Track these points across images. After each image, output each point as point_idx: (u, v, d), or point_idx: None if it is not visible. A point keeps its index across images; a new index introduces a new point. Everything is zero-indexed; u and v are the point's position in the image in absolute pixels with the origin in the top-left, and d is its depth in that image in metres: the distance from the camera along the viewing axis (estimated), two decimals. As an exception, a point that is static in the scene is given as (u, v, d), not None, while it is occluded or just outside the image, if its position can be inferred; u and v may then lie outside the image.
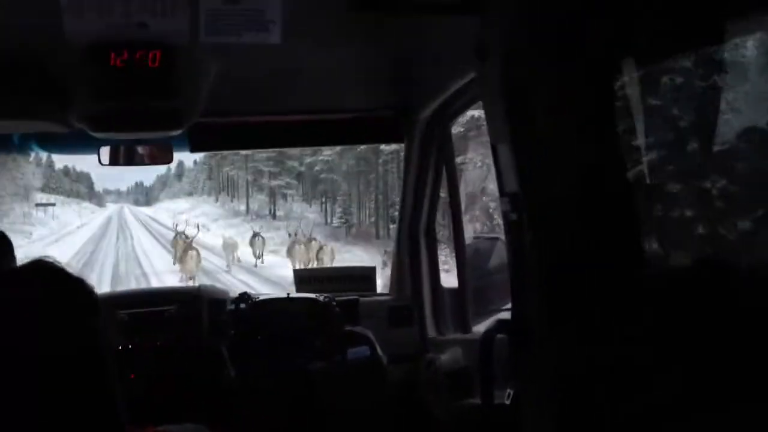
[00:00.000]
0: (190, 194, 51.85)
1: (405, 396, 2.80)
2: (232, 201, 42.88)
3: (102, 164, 2.75)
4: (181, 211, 45.54)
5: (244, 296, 2.68)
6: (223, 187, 45.72)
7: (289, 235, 25.60)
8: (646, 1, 1.63)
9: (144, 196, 65.24)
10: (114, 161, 2.75)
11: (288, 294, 2.79)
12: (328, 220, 34.44)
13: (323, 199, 35.84)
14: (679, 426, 0.97)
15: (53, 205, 42.12)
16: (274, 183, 38.11)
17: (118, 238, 32.51)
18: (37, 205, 39.76)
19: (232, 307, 2.69)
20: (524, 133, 1.76)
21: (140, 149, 2.71)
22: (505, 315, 2.50)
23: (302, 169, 36.85)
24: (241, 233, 28.85)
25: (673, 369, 0.95)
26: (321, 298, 2.71)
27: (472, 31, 1.93)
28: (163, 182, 62.51)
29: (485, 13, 1.80)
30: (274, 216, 37.18)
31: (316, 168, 35.28)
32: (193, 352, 2.59)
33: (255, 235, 24.89)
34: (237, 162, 39.59)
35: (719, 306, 0.90)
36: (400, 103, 2.87)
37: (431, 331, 3.03)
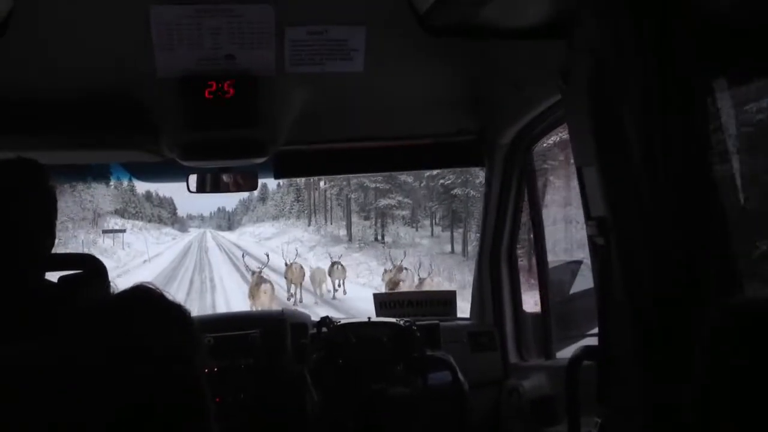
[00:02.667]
0: (276, 218, 49.07)
1: (487, 422, 2.76)
2: (327, 225, 38.48)
3: (190, 191, 2.84)
4: (267, 237, 42.52)
5: (325, 320, 2.70)
6: (315, 209, 41.64)
7: (385, 271, 21.47)
8: (736, 21, 1.59)
9: (226, 221, 65.70)
10: (201, 189, 2.84)
11: (369, 318, 2.80)
12: (456, 248, 27.73)
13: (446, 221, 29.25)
14: None
15: (123, 231, 38.28)
16: (382, 203, 32.26)
17: (195, 270, 28.57)
18: (105, 231, 36.52)
19: (314, 330, 2.72)
20: (611, 156, 1.73)
21: (225, 177, 2.79)
22: (590, 341, 2.45)
23: (416, 183, 30.71)
24: (347, 263, 24.46)
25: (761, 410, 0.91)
26: (401, 322, 2.71)
27: (554, 53, 1.92)
28: (245, 206, 62.19)
29: (570, 37, 1.80)
30: (382, 241, 31.66)
31: (441, 182, 28.55)
32: (277, 376, 2.63)
33: (334, 264, 22.59)
34: (335, 178, 33.32)
35: None
36: (481, 127, 2.87)
37: (513, 357, 2.99)
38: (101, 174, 3.54)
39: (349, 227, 34.49)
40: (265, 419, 2.55)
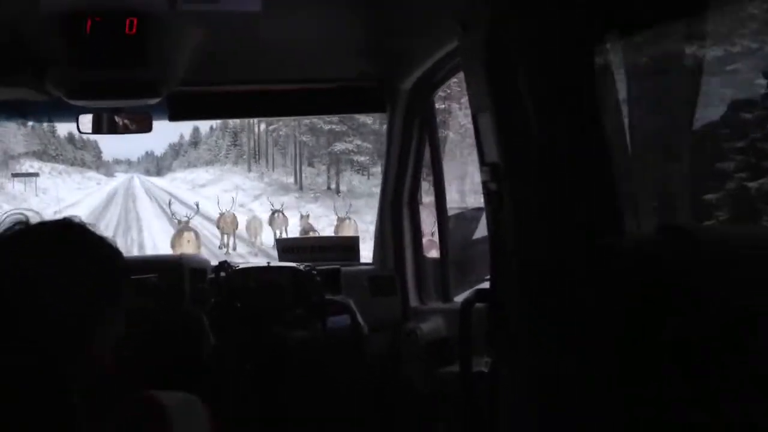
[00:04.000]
0: (210, 163, 45.18)
1: (385, 365, 2.81)
2: (270, 171, 34.62)
3: (81, 132, 2.73)
4: (202, 184, 38.18)
5: (224, 265, 2.68)
6: (256, 154, 37.93)
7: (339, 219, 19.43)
8: None
9: (155, 166, 62.58)
10: (96, 129, 2.73)
11: (269, 262, 2.79)
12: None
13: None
14: (646, 393, 0.98)
15: (36, 175, 33.80)
16: (338, 147, 28.41)
17: (119, 226, 23.62)
18: (14, 175, 32.38)
19: (213, 275, 2.69)
20: (505, 103, 1.75)
21: (117, 118, 2.69)
22: (486, 285, 2.51)
23: (377, 126, 26.32)
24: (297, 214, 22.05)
25: (645, 345, 0.96)
26: (302, 267, 2.71)
27: (454, 0, 1.91)
28: (175, 150, 58.28)
29: None
30: (337, 191, 28.12)
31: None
32: (174, 320, 2.59)
33: (274, 212, 21.20)
34: (281, 120, 29.75)
35: (690, 281, 0.90)
36: (382, 72, 2.85)
37: (413, 301, 3.05)
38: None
39: (298, 174, 31.15)
40: (161, 363, 2.52)
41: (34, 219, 1.28)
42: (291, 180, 31.83)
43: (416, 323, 2.79)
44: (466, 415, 1.88)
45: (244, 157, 39.57)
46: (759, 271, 0.89)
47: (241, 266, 2.72)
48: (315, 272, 2.71)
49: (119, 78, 2.34)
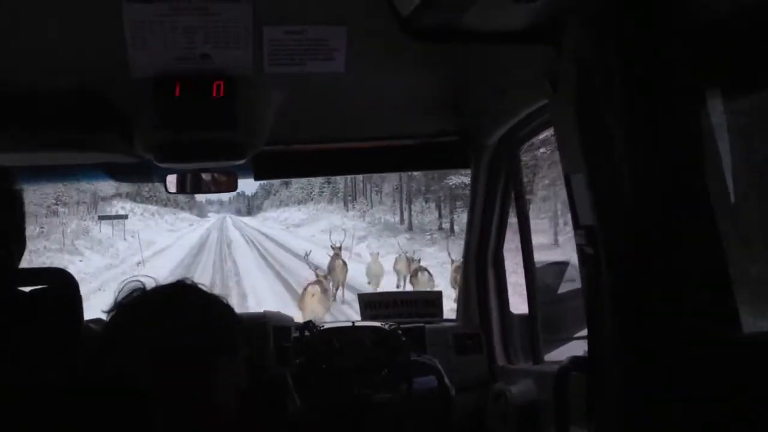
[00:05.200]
0: (302, 202, 44.13)
1: (473, 428, 2.73)
2: (371, 209, 32.10)
3: (169, 192, 2.80)
4: (296, 224, 36.58)
5: (308, 324, 2.66)
6: (353, 192, 35.62)
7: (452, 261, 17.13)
8: (730, 32, 1.55)
9: (246, 206, 62.83)
10: (181, 189, 2.79)
11: (353, 322, 2.77)
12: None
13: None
14: None
15: (124, 217, 31.20)
16: (453, 181, 24.88)
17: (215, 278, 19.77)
18: (101, 218, 29.86)
19: (297, 334, 2.68)
20: (599, 164, 1.69)
21: (205, 176, 2.74)
22: (577, 343, 2.42)
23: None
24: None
25: None
26: (386, 326, 2.68)
27: (539, 57, 1.88)
28: (266, 190, 58.44)
29: (559, 43, 1.75)
30: (451, 230, 24.61)
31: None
32: (259, 379, 2.58)
33: (400, 257, 19.22)
34: None
35: None
36: (466, 128, 2.83)
37: (500, 360, 2.96)
38: (91, 177, 3.45)
39: (406, 213, 27.39)
40: (245, 424, 2.51)
41: (149, 284, 1.38)
42: (395, 219, 29.36)
43: (505, 384, 2.70)
44: None
45: (339, 195, 38.51)
46: None
47: (326, 326, 2.70)
48: (400, 331, 2.66)
49: (207, 140, 2.39)
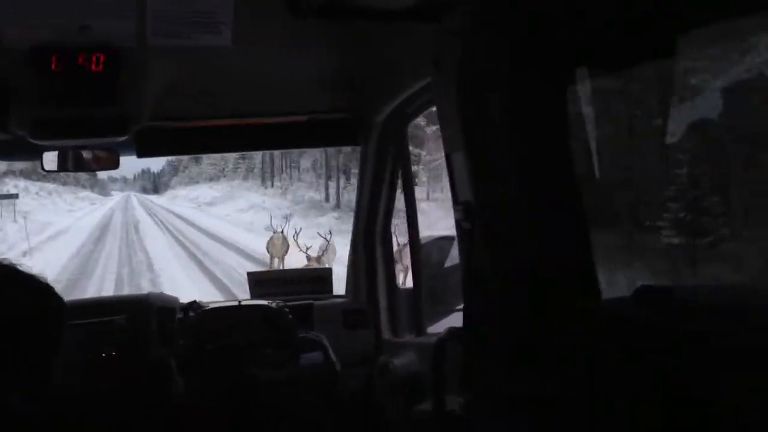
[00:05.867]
0: (214, 179, 41.20)
1: (359, 401, 2.78)
2: (292, 185, 29.78)
3: (46, 170, 2.68)
4: (208, 202, 33.95)
5: (193, 305, 2.63)
6: (269, 168, 33.06)
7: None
8: (600, 11, 1.63)
9: (152, 183, 59.58)
10: (62, 167, 2.68)
11: (239, 301, 2.75)
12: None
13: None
14: None
15: (14, 197, 29.20)
16: None
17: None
18: None
19: (181, 315, 2.63)
20: (478, 142, 1.75)
21: (85, 154, 2.64)
22: (459, 315, 2.50)
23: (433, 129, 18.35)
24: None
25: (622, 400, 0.94)
26: (273, 305, 2.67)
27: (427, 36, 1.91)
28: (174, 167, 54.98)
29: (440, 21, 1.79)
30: None
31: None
32: (140, 364, 2.53)
33: (275, 235, 18.23)
34: None
35: (667, 341, 0.90)
36: (355, 105, 2.84)
37: (386, 334, 3.02)
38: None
39: (332, 189, 24.57)
40: (126, 409, 2.46)
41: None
42: (320, 196, 27.19)
43: (389, 357, 2.76)
44: None
45: (255, 171, 36.27)
46: (736, 327, 0.89)
47: (211, 306, 2.67)
48: (287, 309, 2.67)
49: (86, 116, 2.30)
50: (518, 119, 1.64)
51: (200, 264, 17.67)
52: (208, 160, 44.48)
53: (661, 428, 0.92)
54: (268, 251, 17.69)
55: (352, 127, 2.92)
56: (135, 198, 46.01)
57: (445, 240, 3.23)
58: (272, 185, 33.39)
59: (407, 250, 3.05)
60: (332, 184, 26.54)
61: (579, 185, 1.68)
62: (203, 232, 22.10)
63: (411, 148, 3.08)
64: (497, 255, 1.73)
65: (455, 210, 1.88)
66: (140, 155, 2.79)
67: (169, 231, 25.94)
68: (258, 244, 18.18)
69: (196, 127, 2.82)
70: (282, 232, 17.69)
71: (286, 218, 18.45)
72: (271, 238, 17.85)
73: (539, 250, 1.63)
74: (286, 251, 17.65)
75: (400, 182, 2.97)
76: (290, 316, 2.64)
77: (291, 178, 32.22)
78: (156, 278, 15.91)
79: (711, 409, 0.88)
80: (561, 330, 1.18)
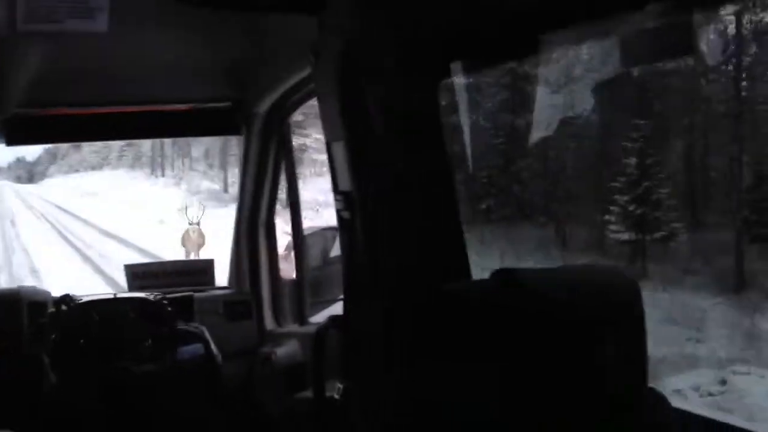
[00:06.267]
0: (98, 168, 38.56)
1: (239, 393, 2.77)
2: (187, 174, 28.48)
3: None
4: (92, 192, 31.91)
5: (65, 298, 2.53)
6: (159, 156, 31.26)
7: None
8: (475, 10, 1.69)
9: (27, 172, 55.56)
10: None
11: (115, 294, 2.67)
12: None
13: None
14: None
15: None
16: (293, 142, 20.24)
17: None
18: None
19: (53, 309, 2.54)
20: (357, 133, 1.78)
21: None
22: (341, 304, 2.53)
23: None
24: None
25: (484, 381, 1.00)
26: (151, 297, 2.62)
27: (308, 27, 1.93)
28: (52, 154, 52.13)
29: (321, 13, 1.81)
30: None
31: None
32: (11, 360, 2.43)
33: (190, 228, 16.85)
34: None
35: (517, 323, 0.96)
36: (237, 95, 2.82)
37: (269, 324, 3.02)
38: None
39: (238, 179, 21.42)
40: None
41: None
42: (218, 186, 25.90)
43: (271, 348, 2.76)
44: None
45: (143, 159, 33.92)
46: (575, 311, 0.97)
47: (85, 299, 2.59)
48: (166, 301, 2.62)
49: None
50: (395, 111, 1.68)
51: (88, 260, 16.44)
52: (91, 147, 41.13)
53: (496, 400, 0.98)
54: (183, 245, 16.54)
55: (234, 117, 2.89)
56: (9, 188, 42.69)
57: (330, 230, 3.26)
58: (163, 174, 31.87)
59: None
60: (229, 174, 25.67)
61: (453, 176, 1.74)
62: (90, 225, 20.72)
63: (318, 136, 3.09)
64: (375, 244, 1.77)
65: (336, 200, 1.91)
66: (10, 143, 2.66)
67: (54, 227, 23.09)
68: (151, 238, 17.46)
69: (71, 115, 2.71)
70: (198, 224, 16.92)
71: (202, 209, 17.54)
72: (186, 231, 16.93)
73: (415, 240, 1.68)
74: (203, 244, 16.27)
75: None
76: (169, 308, 2.60)
77: (184, 166, 30.72)
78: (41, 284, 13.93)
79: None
80: (432, 315, 1.22)
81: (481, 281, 1.05)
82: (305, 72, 2.36)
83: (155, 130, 3.04)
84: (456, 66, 1.80)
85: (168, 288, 2.93)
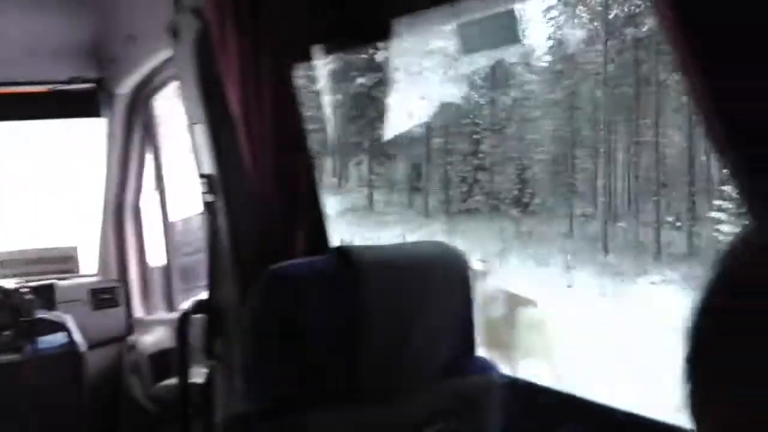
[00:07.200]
0: None
1: (105, 382, 2.70)
2: None
3: None
4: None
5: None
6: None
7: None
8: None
9: None
10: None
11: None
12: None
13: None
14: None
15: None
16: None
17: None
18: None
19: None
20: (218, 115, 1.78)
21: None
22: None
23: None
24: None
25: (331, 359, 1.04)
26: (7, 285, 2.51)
27: (166, 10, 1.90)
28: None
29: None
30: None
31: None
32: None
33: None
34: None
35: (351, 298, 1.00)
36: (99, 76, 2.73)
37: (138, 312, 2.95)
38: None
39: None
40: None
41: None
42: None
43: (139, 335, 2.71)
44: (184, 427, 1.88)
45: None
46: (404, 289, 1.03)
47: None
48: (26, 289, 2.52)
49: None
50: (252, 95, 1.69)
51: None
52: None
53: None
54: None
55: (95, 99, 2.80)
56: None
57: (200, 216, 3.21)
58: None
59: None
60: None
61: (312, 156, 1.77)
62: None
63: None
64: (238, 228, 1.78)
65: (200, 183, 1.90)
66: None
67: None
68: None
69: None
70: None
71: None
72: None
73: (276, 222, 1.70)
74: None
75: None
76: (28, 297, 2.50)
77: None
78: None
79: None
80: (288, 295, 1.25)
81: (318, 259, 1.08)
82: (167, 54, 2.32)
83: (16, 113, 2.89)
84: (316, 49, 1.83)
85: (29, 276, 2.81)
